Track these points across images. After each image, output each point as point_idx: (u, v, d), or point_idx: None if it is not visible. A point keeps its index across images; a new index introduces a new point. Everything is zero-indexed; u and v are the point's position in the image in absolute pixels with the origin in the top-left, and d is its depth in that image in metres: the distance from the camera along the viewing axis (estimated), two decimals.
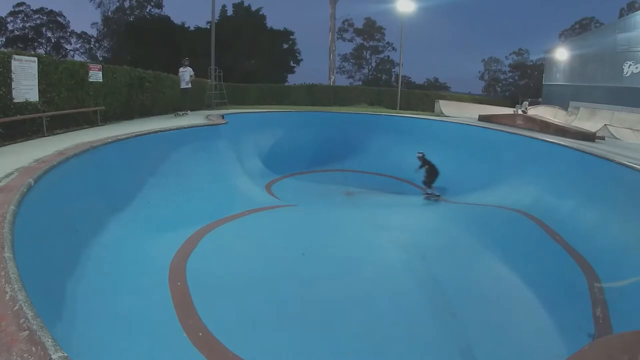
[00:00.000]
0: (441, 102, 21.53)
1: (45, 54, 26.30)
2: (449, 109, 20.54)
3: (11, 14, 35.15)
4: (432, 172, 9.63)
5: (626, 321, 3.87)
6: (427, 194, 9.69)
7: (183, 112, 11.86)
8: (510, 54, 46.89)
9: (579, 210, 6.55)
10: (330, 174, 12.44)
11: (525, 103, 20.95)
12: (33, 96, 7.01)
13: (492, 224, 7.14)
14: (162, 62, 23.84)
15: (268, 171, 11.55)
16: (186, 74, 11.66)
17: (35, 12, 35.93)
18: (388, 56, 46.20)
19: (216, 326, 3.52)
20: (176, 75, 14.73)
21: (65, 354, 1.42)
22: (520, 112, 18.73)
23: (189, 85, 11.88)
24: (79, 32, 37.93)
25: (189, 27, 36.12)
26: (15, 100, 6.58)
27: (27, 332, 1.51)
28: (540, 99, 30.68)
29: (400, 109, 22.06)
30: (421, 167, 9.73)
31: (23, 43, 33.97)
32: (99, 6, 35.32)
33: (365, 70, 46.84)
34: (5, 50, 7.06)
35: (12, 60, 6.51)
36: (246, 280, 4.60)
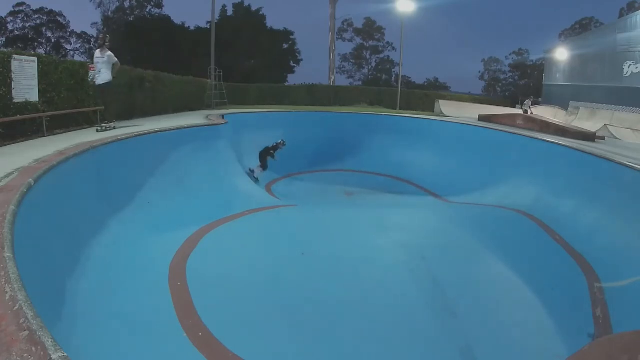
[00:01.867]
0: (441, 102, 21.54)
1: (45, 54, 26.31)
2: (449, 109, 20.55)
3: (11, 14, 35.24)
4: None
5: (626, 321, 3.87)
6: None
7: (107, 125, 7.72)
8: (510, 54, 47.01)
9: (579, 210, 6.55)
10: (330, 174, 12.44)
11: (528, 102, 20.66)
12: (33, 96, 7.01)
13: (492, 224, 7.14)
14: (162, 62, 23.88)
15: (268, 171, 11.54)
16: (102, 62, 7.45)
17: (35, 12, 36.01)
18: (388, 56, 46.29)
19: (216, 326, 3.51)
20: (176, 75, 14.77)
21: (65, 354, 1.42)
22: (522, 110, 18.58)
23: (110, 78, 7.57)
24: (79, 32, 38.07)
25: (189, 27, 36.20)
26: (15, 100, 6.58)
27: (27, 332, 1.51)
28: (540, 99, 30.68)
29: (400, 109, 22.06)
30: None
31: (23, 43, 34.02)
32: (99, 6, 35.41)
33: (365, 70, 46.91)
34: (5, 50, 7.05)
35: (12, 60, 6.50)
36: (246, 280, 4.60)
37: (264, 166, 10.59)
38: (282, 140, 11.02)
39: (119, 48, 33.30)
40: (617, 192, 6.11)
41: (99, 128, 7.71)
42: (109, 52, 7.58)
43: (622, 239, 5.20)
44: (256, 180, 10.09)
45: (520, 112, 19.62)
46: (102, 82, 7.55)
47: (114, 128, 7.81)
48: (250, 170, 10.29)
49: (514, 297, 4.76)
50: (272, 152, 10.64)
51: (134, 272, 4.09)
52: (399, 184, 11.58)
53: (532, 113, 18.00)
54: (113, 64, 7.62)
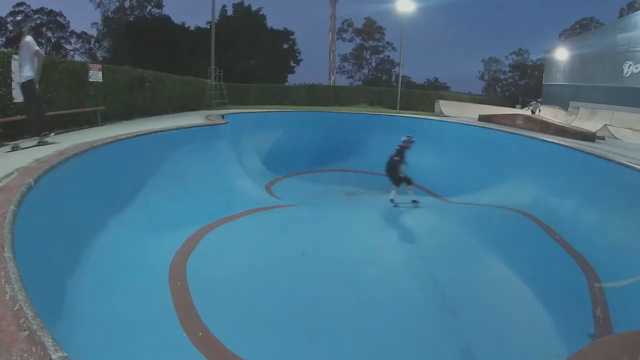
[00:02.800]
0: (441, 102, 21.54)
1: (45, 54, 26.25)
2: (449, 109, 20.55)
3: (11, 14, 35.22)
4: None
5: (626, 321, 3.87)
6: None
7: (42, 138, 5.67)
8: (510, 54, 46.98)
9: (579, 210, 6.54)
10: (330, 174, 12.44)
11: (535, 103, 20.32)
12: None
13: (492, 224, 7.13)
14: (162, 62, 23.88)
15: (268, 171, 11.55)
16: (21, 52, 5.53)
17: (35, 12, 36.01)
18: (388, 56, 46.28)
19: (216, 326, 3.52)
20: (176, 75, 14.76)
21: (65, 354, 1.42)
22: (530, 112, 18.33)
23: (32, 74, 5.47)
24: (79, 32, 38.03)
25: (189, 27, 36.18)
26: (16, 100, 6.58)
27: (27, 332, 1.51)
28: (540, 99, 30.68)
29: (400, 109, 22.05)
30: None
31: None
32: (98, 6, 35.42)
33: (365, 70, 46.91)
34: (5, 50, 7.05)
35: (12, 60, 6.51)
36: (246, 280, 4.60)
37: (401, 180, 8.17)
38: (407, 136, 8.51)
39: (119, 48, 33.49)
40: (617, 192, 6.10)
41: (15, 146, 5.43)
42: (27, 38, 5.49)
43: (622, 239, 5.19)
44: (414, 202, 8.17)
45: (521, 112, 19.57)
46: (23, 80, 5.51)
47: (45, 143, 5.54)
48: (391, 201, 8.19)
49: (514, 297, 4.76)
50: (400, 161, 8.13)
51: (134, 272, 4.09)
52: None
53: (539, 113, 17.88)
54: (34, 54, 5.47)
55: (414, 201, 8.22)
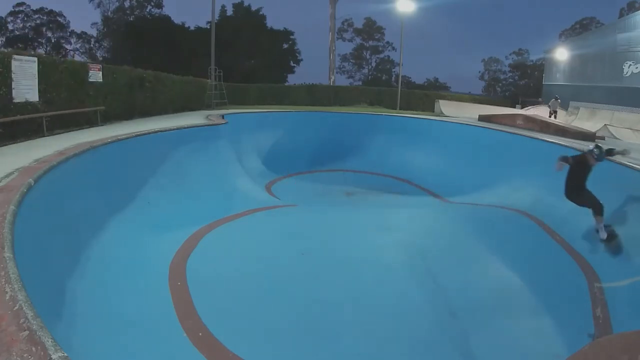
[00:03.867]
0: (441, 102, 21.52)
1: (45, 54, 26.32)
2: (449, 109, 20.52)
3: (11, 14, 35.22)
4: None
5: (626, 321, 3.87)
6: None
7: None
8: (510, 54, 46.82)
9: (579, 211, 6.53)
10: (330, 174, 12.43)
11: (555, 101, 19.56)
12: (33, 96, 7.01)
13: (492, 224, 7.13)
14: (162, 62, 23.88)
15: (268, 171, 11.55)
16: None
17: (35, 12, 35.98)
18: (388, 56, 46.20)
19: (216, 326, 3.52)
20: (176, 75, 14.77)
21: (65, 354, 1.42)
22: (548, 112, 17.85)
23: None
24: (79, 32, 37.99)
25: (189, 27, 36.14)
26: (15, 100, 6.58)
27: (27, 332, 1.51)
28: (540, 99, 30.67)
29: (400, 109, 22.04)
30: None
31: (23, 43, 33.95)
32: (98, 6, 35.39)
33: (365, 70, 46.84)
34: (5, 50, 7.06)
35: (12, 60, 6.51)
36: (246, 280, 4.60)
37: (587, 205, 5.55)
38: (594, 146, 5.57)
39: (119, 48, 33.47)
40: (617, 192, 6.10)
41: None
42: None
43: (622, 239, 5.19)
44: (616, 238, 5.15)
45: (521, 112, 19.51)
46: None
47: None
48: (602, 240, 5.25)
49: (513, 297, 4.76)
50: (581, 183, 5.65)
51: (134, 272, 4.09)
52: (399, 184, 11.58)
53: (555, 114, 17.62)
54: None
55: (609, 237, 5.22)
